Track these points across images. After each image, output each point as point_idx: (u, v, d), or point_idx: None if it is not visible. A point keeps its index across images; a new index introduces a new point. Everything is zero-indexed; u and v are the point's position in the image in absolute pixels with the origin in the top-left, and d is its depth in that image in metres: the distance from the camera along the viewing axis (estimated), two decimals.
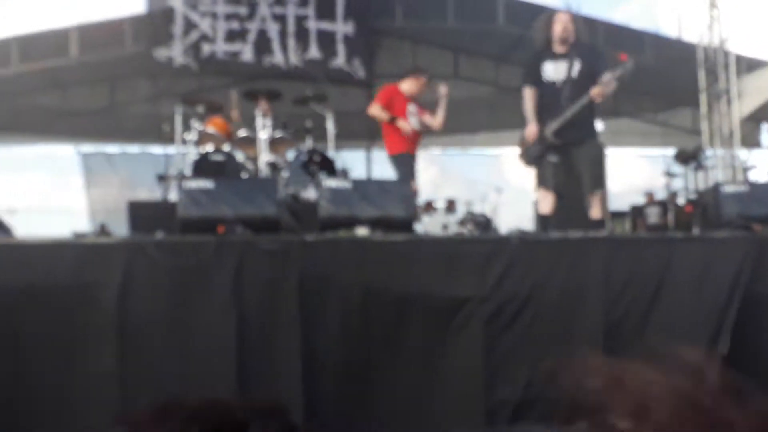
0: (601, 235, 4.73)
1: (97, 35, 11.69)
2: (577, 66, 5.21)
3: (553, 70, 5.28)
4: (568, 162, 5.26)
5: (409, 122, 6.94)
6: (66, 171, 13.39)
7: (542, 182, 5.40)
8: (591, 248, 4.40)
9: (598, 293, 4.26)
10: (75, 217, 12.30)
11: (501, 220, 9.60)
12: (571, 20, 5.31)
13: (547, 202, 5.36)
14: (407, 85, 7.18)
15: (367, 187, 4.84)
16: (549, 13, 5.47)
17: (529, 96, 5.38)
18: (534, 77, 5.37)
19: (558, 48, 5.31)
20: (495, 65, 12.86)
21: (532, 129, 5.28)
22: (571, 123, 5.15)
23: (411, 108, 7.04)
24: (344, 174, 7.15)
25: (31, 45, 11.55)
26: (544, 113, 5.28)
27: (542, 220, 5.42)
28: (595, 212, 5.25)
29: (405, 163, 7.01)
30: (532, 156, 5.37)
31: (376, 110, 6.97)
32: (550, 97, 5.26)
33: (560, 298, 4.22)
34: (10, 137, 13.67)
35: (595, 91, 5.07)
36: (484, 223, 9.51)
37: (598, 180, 5.30)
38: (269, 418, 0.92)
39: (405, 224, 4.67)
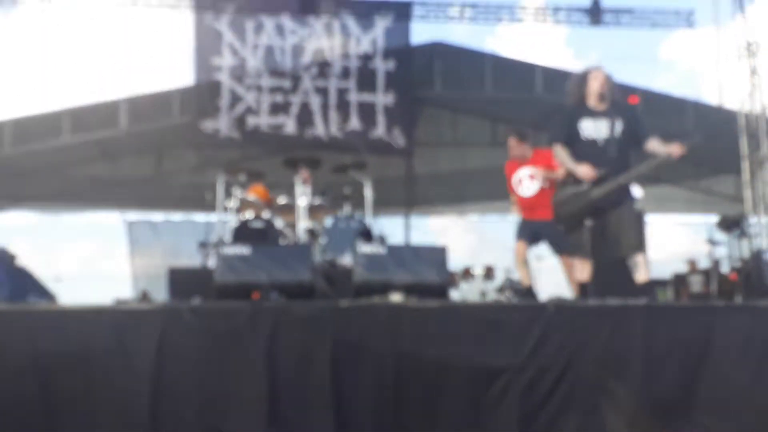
0: (641, 303, 4.59)
1: (146, 107, 12.05)
2: (619, 126, 5.04)
3: (593, 128, 5.06)
4: (601, 225, 5.06)
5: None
6: (112, 239, 13.69)
7: (578, 249, 5.21)
8: (631, 316, 4.27)
9: (638, 364, 4.12)
10: (119, 284, 12.50)
11: (540, 288, 9.48)
12: (608, 78, 5.20)
13: (585, 270, 5.19)
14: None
15: (402, 253, 4.79)
16: (584, 71, 5.25)
17: (561, 149, 5.15)
18: (569, 135, 5.14)
19: (596, 105, 5.12)
20: (534, 133, 12.87)
21: (587, 170, 4.94)
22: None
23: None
24: (381, 240, 7.16)
25: (82, 116, 11.95)
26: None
27: (582, 288, 5.24)
28: (641, 275, 5.03)
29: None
30: (570, 214, 5.17)
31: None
32: (590, 157, 5.00)
33: (599, 369, 4.09)
34: (60, 206, 14.08)
35: (676, 150, 4.84)
36: (522, 291, 9.40)
37: (639, 241, 5.08)
38: None
39: (440, 290, 4.61)
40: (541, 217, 6.15)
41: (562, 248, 6.08)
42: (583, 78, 5.21)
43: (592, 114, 5.12)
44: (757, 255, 5.03)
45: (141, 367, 3.89)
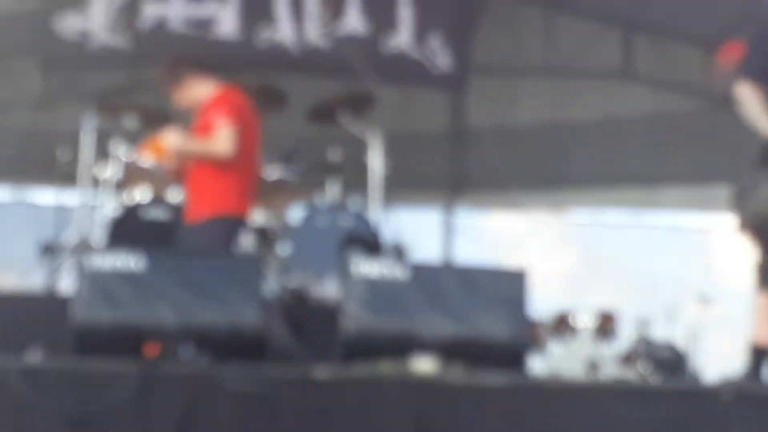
0: None
1: None
2: None
3: None
4: None
5: None
6: None
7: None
8: None
9: None
10: None
11: (706, 356, 9.49)
12: None
13: None
14: None
15: (439, 280, 4.83)
16: None
17: (753, 92, 5.29)
18: (766, 64, 5.33)
19: None
20: (703, 57, 12.84)
21: None
22: None
23: None
24: (398, 253, 7.18)
25: None
26: None
27: (757, 356, 5.26)
28: None
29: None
30: (764, 216, 5.21)
31: None
32: None
33: None
34: None
35: None
36: (671, 361, 9.41)
37: None
38: None
39: (510, 354, 4.67)
40: None
41: None
42: None
43: None
44: None
45: None
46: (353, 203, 7.47)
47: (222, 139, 6.33)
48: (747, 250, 5.35)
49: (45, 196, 11.09)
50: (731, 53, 5.61)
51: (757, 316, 5.31)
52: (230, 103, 6.66)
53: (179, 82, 6.85)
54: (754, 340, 5.27)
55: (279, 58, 11.23)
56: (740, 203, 5.32)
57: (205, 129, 6.55)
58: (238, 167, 6.53)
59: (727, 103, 5.53)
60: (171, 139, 6.62)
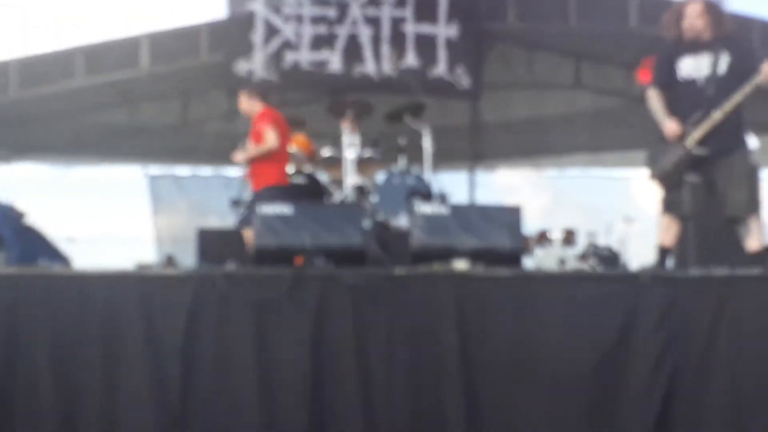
0: (753, 273, 4.51)
1: (171, 44, 12.11)
2: (724, 61, 4.97)
3: (693, 66, 5.04)
4: (708, 180, 5.03)
5: None
6: (132, 195, 13.87)
7: (671, 207, 5.16)
8: (743, 289, 4.21)
9: (749, 345, 4.07)
10: (140, 246, 12.72)
11: (631, 255, 9.40)
12: (707, 8, 5.09)
13: (671, 233, 5.17)
14: None
15: (467, 214, 4.80)
16: (680, 3, 5.23)
17: (656, 95, 5.19)
18: (666, 76, 5.18)
19: (697, 39, 5.07)
20: (625, 73, 12.61)
21: (672, 126, 4.99)
22: (717, 129, 4.93)
23: None
24: (442, 199, 7.15)
25: (98, 56, 12.06)
26: (681, 118, 5.01)
27: (662, 254, 5.20)
28: (753, 243, 4.97)
29: None
30: (667, 172, 5.12)
31: None
32: (688, 99, 5.02)
33: (703, 358, 4.05)
34: (72, 157, 14.32)
35: (764, 76, 4.75)
36: (609, 258, 9.33)
37: (751, 201, 5.02)
38: None
39: (512, 257, 4.63)
40: None
41: None
42: (677, 12, 5.18)
43: (693, 49, 5.09)
44: None
45: (169, 342, 4.00)
46: (414, 170, 7.44)
47: (269, 139, 6.44)
48: (654, 191, 5.30)
49: (231, 171, 11.17)
50: (643, 72, 5.52)
51: (661, 229, 5.25)
52: (270, 116, 6.72)
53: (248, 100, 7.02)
54: (659, 243, 5.23)
55: (367, 84, 11.18)
56: (649, 163, 5.26)
57: (256, 135, 6.64)
58: (278, 156, 6.66)
59: (641, 102, 5.45)
60: (236, 156, 6.85)
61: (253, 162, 6.73)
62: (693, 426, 3.97)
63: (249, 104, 6.98)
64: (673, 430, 3.97)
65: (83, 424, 3.92)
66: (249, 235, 6.36)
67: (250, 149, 6.71)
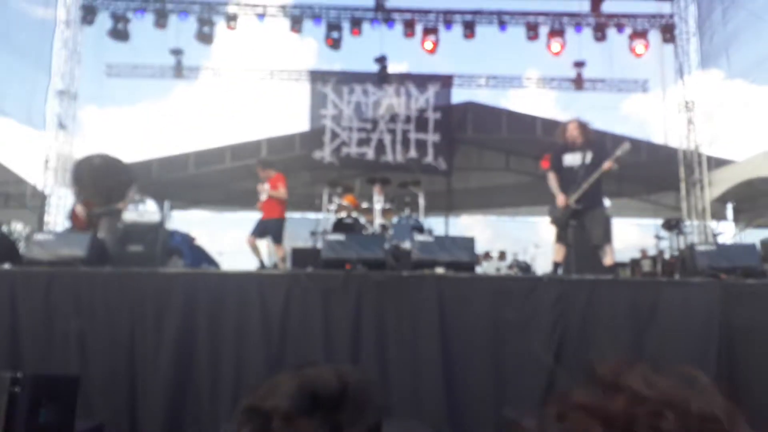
0: (607, 278, 4.44)
1: (279, 143, 12.24)
2: (589, 156, 4.99)
3: (571, 159, 5.06)
4: (581, 223, 5.00)
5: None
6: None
7: (560, 239, 5.11)
8: (601, 287, 4.14)
9: (606, 318, 3.99)
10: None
11: (538, 266, 9.32)
12: (579, 126, 5.10)
13: (561, 253, 5.11)
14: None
15: (443, 241, 4.76)
16: (566, 122, 5.26)
17: (553, 177, 5.17)
18: (557, 165, 5.16)
19: (573, 144, 5.08)
20: (534, 162, 12.56)
21: (562, 198, 5.00)
22: (586, 194, 4.90)
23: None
24: (429, 232, 7.12)
25: (238, 150, 12.23)
26: (565, 189, 5.04)
27: (555, 266, 5.14)
28: (608, 260, 4.93)
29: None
30: (558, 219, 5.10)
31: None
32: (569, 178, 5.02)
33: (580, 323, 3.97)
34: (223, 208, 14.44)
35: (607, 165, 4.82)
36: (525, 268, 9.23)
37: (606, 235, 5.00)
38: (362, 392, 0.78)
39: (469, 266, 4.57)
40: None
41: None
42: (563, 127, 5.22)
43: (571, 150, 5.11)
44: (690, 247, 4.79)
45: (273, 312, 3.98)
46: (414, 216, 7.41)
47: (282, 192, 6.51)
48: (551, 229, 5.25)
49: (311, 215, 11.14)
50: (544, 162, 5.50)
51: (554, 251, 5.19)
52: (283, 179, 6.69)
53: (264, 170, 6.86)
54: (553, 260, 5.17)
55: (388, 166, 11.21)
56: (549, 213, 5.22)
57: (274, 187, 6.62)
58: (285, 201, 6.71)
59: (544, 179, 5.41)
60: (265, 194, 6.63)
61: (271, 201, 6.64)
62: (576, 366, 3.88)
63: (265, 172, 6.83)
64: (562, 371, 3.87)
65: (225, 364, 3.84)
66: (252, 240, 6.62)
67: (273, 193, 6.61)
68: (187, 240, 10.35)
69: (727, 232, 11.03)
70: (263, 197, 6.66)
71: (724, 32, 9.31)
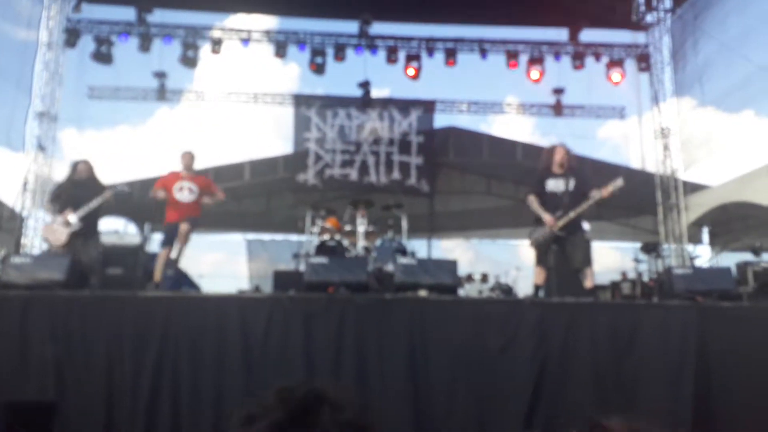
0: (588, 300, 4.51)
1: (261, 166, 12.25)
2: (572, 183, 5.07)
3: (554, 185, 5.11)
4: (562, 248, 5.07)
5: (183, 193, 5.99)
6: (236, 251, 13.78)
7: (540, 262, 5.16)
8: (582, 310, 4.20)
9: (587, 341, 4.04)
10: (240, 281, 12.59)
11: (519, 288, 9.37)
12: (567, 152, 5.20)
13: (541, 276, 5.16)
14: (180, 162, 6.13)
15: (426, 264, 4.76)
16: (552, 146, 5.32)
17: (534, 200, 5.19)
18: (539, 189, 5.19)
19: (557, 170, 5.16)
20: (515, 186, 12.75)
21: (549, 218, 4.99)
22: (568, 222, 4.98)
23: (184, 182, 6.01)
24: (412, 255, 7.14)
25: (220, 172, 12.17)
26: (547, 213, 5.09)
27: (536, 289, 5.19)
28: (588, 283, 4.97)
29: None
30: (540, 243, 5.14)
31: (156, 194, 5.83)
32: (553, 203, 5.05)
33: (561, 345, 4.01)
34: (204, 230, 14.27)
35: (600, 193, 4.87)
36: (507, 290, 9.28)
37: (587, 259, 5.05)
38: (338, 407, 0.78)
39: (451, 289, 4.57)
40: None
41: None
42: (550, 151, 5.26)
43: (555, 176, 5.16)
44: (667, 270, 4.90)
45: (255, 336, 3.94)
46: (397, 238, 7.43)
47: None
48: (532, 253, 5.31)
49: (294, 237, 11.09)
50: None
51: (535, 274, 5.19)
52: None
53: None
54: (534, 282, 5.21)
55: (371, 188, 11.28)
56: (530, 236, 5.27)
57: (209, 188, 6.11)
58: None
59: (524, 203, 5.47)
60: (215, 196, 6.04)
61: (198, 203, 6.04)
62: (557, 388, 3.91)
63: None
64: (544, 393, 3.90)
65: (205, 390, 3.78)
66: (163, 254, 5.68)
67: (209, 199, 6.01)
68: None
69: (704, 255, 11.27)
70: (189, 196, 5.93)
71: (696, 62, 9.66)
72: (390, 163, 11.64)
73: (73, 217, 5.31)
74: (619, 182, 4.91)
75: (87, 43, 9.83)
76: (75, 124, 11.28)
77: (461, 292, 8.78)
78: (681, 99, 10.50)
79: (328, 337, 3.93)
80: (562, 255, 5.05)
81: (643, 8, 10.75)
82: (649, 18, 10.83)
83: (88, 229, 5.43)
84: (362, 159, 11.69)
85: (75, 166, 5.62)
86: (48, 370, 3.67)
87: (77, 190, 5.46)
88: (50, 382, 3.63)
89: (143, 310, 3.92)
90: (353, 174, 11.59)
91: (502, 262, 11.45)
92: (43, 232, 5.51)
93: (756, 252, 7.70)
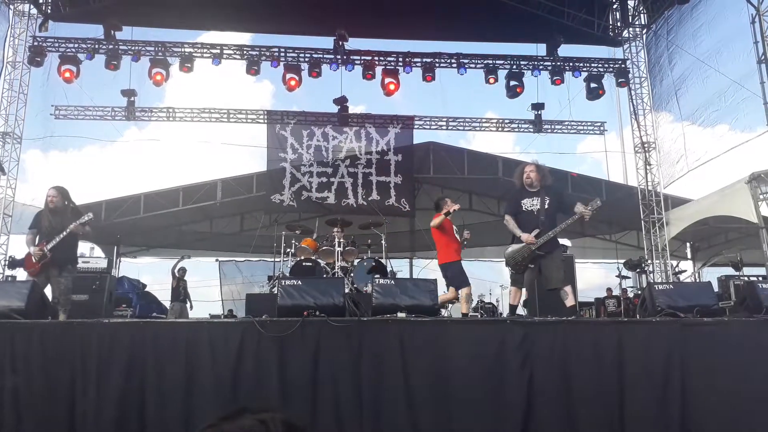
0: (570, 318, 4.56)
1: (234, 185, 12.20)
2: (547, 200, 5.14)
3: (530, 203, 5.16)
4: (538, 267, 5.11)
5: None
6: (209, 273, 13.64)
7: (515, 282, 5.21)
8: (564, 326, 4.24)
9: (571, 357, 4.07)
10: (212, 305, 12.43)
11: (503, 307, 9.42)
12: (537, 170, 5.27)
13: (517, 296, 5.21)
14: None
15: (405, 284, 4.72)
16: (522, 166, 5.40)
17: (510, 219, 5.24)
18: (516, 208, 5.24)
19: (531, 188, 5.21)
20: (496, 202, 12.92)
21: (528, 236, 5.02)
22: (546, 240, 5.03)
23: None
24: (392, 275, 7.16)
25: (192, 192, 12.11)
26: (525, 231, 5.12)
27: (512, 309, 5.23)
28: (569, 301, 5.00)
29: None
30: (518, 263, 5.18)
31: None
32: (529, 221, 5.11)
33: (546, 361, 4.04)
34: (176, 252, 14.10)
35: (583, 212, 4.91)
36: (491, 309, 9.32)
37: (567, 277, 5.08)
38: None
39: (431, 310, 4.52)
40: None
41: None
42: (521, 171, 5.33)
43: (529, 194, 5.21)
44: (648, 286, 4.98)
45: (226, 363, 3.89)
46: (376, 257, 7.45)
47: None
48: (510, 271, 5.35)
49: (268, 259, 11.01)
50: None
51: (511, 293, 5.27)
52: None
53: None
54: (510, 303, 5.24)
55: (349, 209, 11.32)
56: (507, 256, 5.28)
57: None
58: None
59: (503, 221, 5.48)
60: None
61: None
62: (547, 401, 3.92)
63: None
64: (534, 408, 3.90)
65: (173, 420, 3.74)
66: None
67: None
68: (137, 287, 10.05)
69: (687, 270, 11.48)
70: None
71: (672, 77, 9.95)
72: (368, 184, 11.71)
73: (45, 248, 5.23)
74: (596, 203, 4.98)
75: (53, 61, 9.74)
76: (40, 145, 11.14)
77: (443, 312, 8.79)
78: (659, 113, 10.78)
79: (303, 363, 3.89)
80: (539, 275, 5.09)
81: (620, 24, 11.07)
82: (626, 33, 11.15)
83: (61, 258, 5.32)
84: (339, 181, 11.73)
85: (47, 193, 5.54)
86: (5, 400, 3.58)
87: (54, 218, 5.37)
88: (7, 413, 3.55)
89: (107, 338, 3.85)
90: (331, 197, 11.62)
91: (485, 280, 11.51)
92: (25, 262, 5.43)
93: (737, 267, 7.89)
